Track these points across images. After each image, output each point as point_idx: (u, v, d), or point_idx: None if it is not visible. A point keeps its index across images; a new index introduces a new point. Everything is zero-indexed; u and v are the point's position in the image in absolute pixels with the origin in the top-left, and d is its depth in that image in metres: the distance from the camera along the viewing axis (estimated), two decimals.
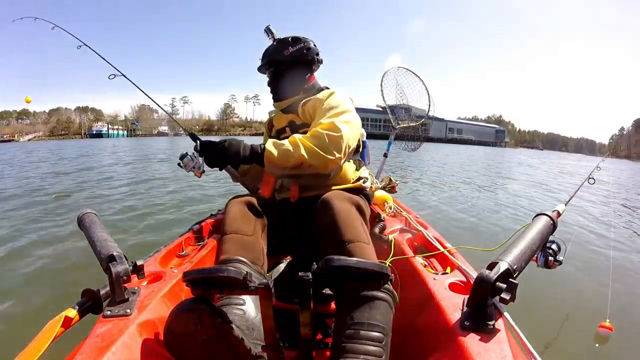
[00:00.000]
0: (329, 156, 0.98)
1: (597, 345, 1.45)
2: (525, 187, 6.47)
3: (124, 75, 1.24)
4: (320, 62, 1.27)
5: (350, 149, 1.07)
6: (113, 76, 1.20)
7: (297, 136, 1.00)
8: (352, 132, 1.06)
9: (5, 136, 49.56)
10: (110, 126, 56.58)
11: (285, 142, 1.00)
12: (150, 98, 1.30)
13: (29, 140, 48.37)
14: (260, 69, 1.30)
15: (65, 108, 61.78)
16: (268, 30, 1.27)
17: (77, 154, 12.26)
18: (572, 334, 1.52)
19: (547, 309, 1.71)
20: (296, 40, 1.23)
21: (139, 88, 1.16)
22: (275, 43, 1.25)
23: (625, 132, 79.54)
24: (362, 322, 0.63)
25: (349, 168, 1.16)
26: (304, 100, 1.18)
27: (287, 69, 1.22)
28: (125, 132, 56.45)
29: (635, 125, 75.19)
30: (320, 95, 1.17)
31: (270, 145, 0.98)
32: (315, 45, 1.25)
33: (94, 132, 52.20)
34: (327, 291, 0.64)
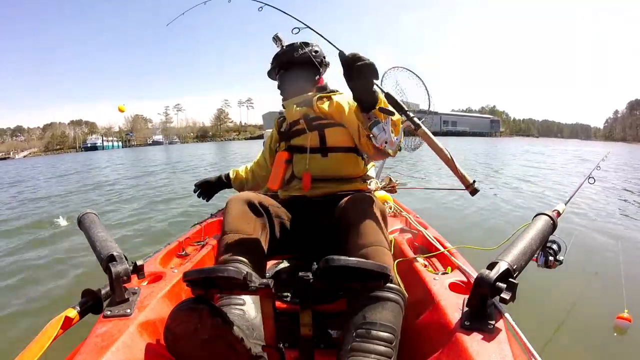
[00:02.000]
0: None
1: (615, 334, 1.44)
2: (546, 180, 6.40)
3: (309, 27, 1.18)
4: (327, 64, 1.34)
5: None
6: (297, 30, 1.17)
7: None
8: None
9: (0, 154, 49.52)
10: (104, 138, 56.50)
11: None
12: (335, 47, 1.09)
13: (24, 156, 48.40)
14: (270, 74, 1.36)
15: (59, 123, 61.96)
16: (277, 38, 1.33)
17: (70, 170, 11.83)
18: (574, 333, 1.52)
19: (548, 308, 1.71)
20: (306, 44, 1.30)
21: (325, 39, 1.08)
22: (285, 47, 1.31)
23: (619, 115, 78.67)
24: (374, 322, 0.64)
25: (359, 161, 1.19)
26: (319, 96, 1.22)
27: (298, 69, 1.28)
28: (120, 143, 56.24)
29: (630, 107, 74.26)
30: (346, 97, 1.20)
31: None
32: (321, 49, 1.32)
33: (89, 144, 52.09)
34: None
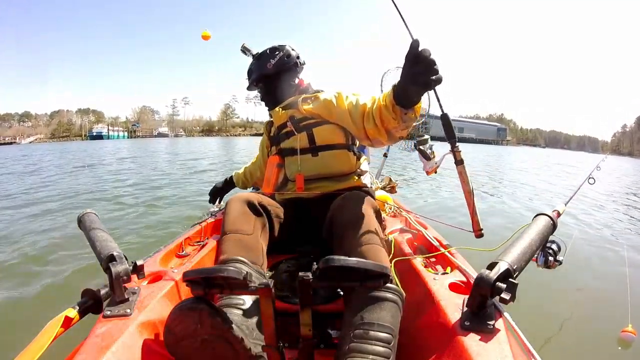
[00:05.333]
0: None
1: (619, 348, 1.43)
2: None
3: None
4: (303, 63, 1.32)
5: None
6: None
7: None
8: None
9: (7, 138, 50.08)
10: (110, 128, 56.74)
11: None
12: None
13: (30, 142, 48.85)
14: (249, 88, 1.34)
15: (67, 110, 62.44)
16: (245, 49, 1.30)
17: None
18: (574, 334, 1.51)
19: (548, 308, 1.70)
20: (274, 50, 1.26)
21: (404, 21, 0.90)
22: (255, 59, 1.28)
23: (627, 129, 78.85)
24: (372, 322, 0.64)
25: (350, 157, 1.19)
26: (303, 97, 1.21)
27: (275, 79, 1.26)
28: (126, 134, 56.40)
29: (638, 122, 74.41)
30: (330, 93, 1.20)
31: None
32: (293, 50, 1.29)
33: (94, 133, 52.37)
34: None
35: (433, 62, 0.69)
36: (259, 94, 1.33)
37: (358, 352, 0.61)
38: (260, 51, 1.29)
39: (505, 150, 29.85)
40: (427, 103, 2.39)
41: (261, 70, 1.25)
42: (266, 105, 1.32)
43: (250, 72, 1.30)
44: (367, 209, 0.89)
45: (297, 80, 1.29)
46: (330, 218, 0.92)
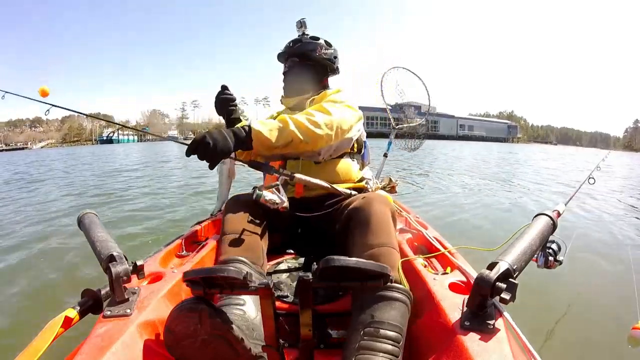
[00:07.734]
0: (317, 130, 0.96)
1: (629, 346, 1.42)
2: None
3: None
4: (338, 72, 1.30)
5: (343, 133, 1.04)
6: (47, 112, 1.10)
7: (284, 115, 0.98)
8: (344, 115, 1.05)
9: (19, 144, 50.59)
10: (120, 132, 57.09)
11: (272, 120, 0.96)
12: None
13: (41, 147, 49.42)
14: (280, 56, 1.29)
15: (78, 115, 62.71)
16: (302, 23, 1.26)
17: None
18: (574, 334, 1.51)
19: (548, 308, 1.70)
20: (329, 44, 1.26)
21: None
22: (308, 37, 1.25)
23: (639, 125, 78.24)
24: (382, 321, 0.64)
25: (352, 166, 1.17)
26: (312, 99, 1.20)
27: (313, 67, 1.23)
28: (136, 138, 56.52)
29: None
30: (328, 91, 1.20)
31: (257, 124, 0.92)
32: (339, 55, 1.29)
33: (105, 137, 53.11)
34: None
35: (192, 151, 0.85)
36: (285, 68, 1.27)
37: (368, 349, 0.61)
38: (315, 35, 1.26)
39: (513, 149, 29.67)
40: (428, 104, 2.40)
41: (310, 52, 1.21)
42: (284, 81, 1.27)
43: (296, 43, 1.24)
44: (386, 211, 0.88)
45: (324, 81, 1.27)
46: (348, 216, 0.91)
